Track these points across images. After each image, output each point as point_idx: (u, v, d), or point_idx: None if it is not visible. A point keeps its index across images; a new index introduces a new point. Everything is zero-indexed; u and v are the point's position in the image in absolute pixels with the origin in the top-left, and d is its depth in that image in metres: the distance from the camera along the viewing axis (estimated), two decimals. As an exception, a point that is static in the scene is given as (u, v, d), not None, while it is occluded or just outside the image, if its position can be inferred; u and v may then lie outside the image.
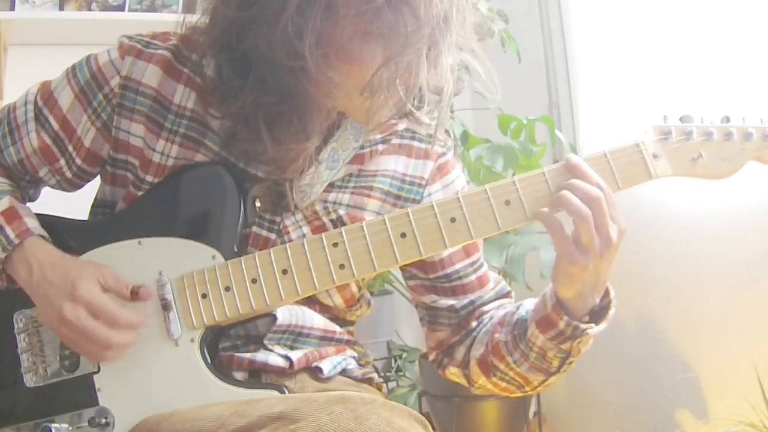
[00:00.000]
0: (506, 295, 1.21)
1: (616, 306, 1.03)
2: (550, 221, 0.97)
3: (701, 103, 1.91)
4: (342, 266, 1.00)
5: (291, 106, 0.96)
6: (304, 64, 0.91)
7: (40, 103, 1.11)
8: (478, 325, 1.17)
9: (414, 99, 1.00)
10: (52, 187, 1.16)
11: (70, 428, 1.01)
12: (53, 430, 1.00)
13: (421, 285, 1.18)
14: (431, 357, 1.22)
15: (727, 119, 1.02)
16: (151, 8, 2.48)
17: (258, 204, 1.06)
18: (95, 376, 1.02)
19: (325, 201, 1.10)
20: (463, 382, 1.19)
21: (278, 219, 1.08)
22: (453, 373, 1.19)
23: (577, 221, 0.95)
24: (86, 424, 1.01)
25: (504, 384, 1.13)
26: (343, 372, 1.16)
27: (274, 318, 1.06)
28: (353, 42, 0.93)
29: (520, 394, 1.15)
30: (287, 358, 1.08)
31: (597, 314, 1.03)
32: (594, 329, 1.01)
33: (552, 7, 2.60)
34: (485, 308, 1.17)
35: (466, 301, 1.17)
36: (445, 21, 0.93)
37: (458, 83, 1.03)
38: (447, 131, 1.22)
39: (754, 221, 1.81)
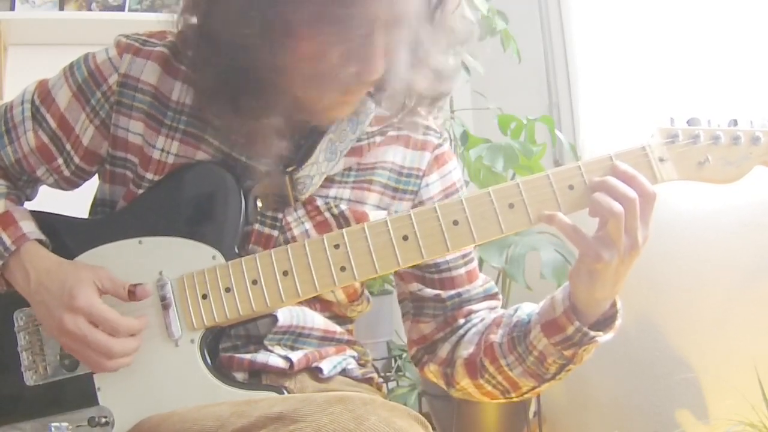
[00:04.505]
0: (494, 296, 1.20)
1: (622, 316, 1.03)
2: (561, 224, 0.96)
3: (701, 104, 1.91)
4: (343, 268, 0.99)
5: (251, 84, 0.96)
6: (262, 41, 0.92)
7: (37, 101, 1.11)
8: (465, 323, 1.16)
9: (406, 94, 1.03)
10: (50, 186, 1.16)
11: (70, 427, 1.01)
12: (53, 428, 1.00)
13: (410, 272, 1.18)
14: (411, 352, 1.21)
15: (735, 123, 1.00)
16: (151, 8, 2.48)
17: (259, 204, 1.06)
18: (95, 376, 1.02)
19: (326, 197, 1.10)
20: (441, 382, 1.18)
21: (280, 215, 1.08)
22: (432, 371, 1.18)
23: (609, 217, 0.94)
24: (86, 423, 1.01)
25: (489, 388, 1.11)
26: (343, 372, 1.16)
27: (275, 319, 1.06)
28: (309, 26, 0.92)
29: (503, 400, 1.14)
30: (287, 359, 1.08)
31: (601, 324, 1.02)
32: (602, 337, 1.00)
33: (552, 7, 2.60)
34: (474, 307, 1.17)
35: (452, 292, 1.16)
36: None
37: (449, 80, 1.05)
38: (446, 131, 1.21)
39: (755, 221, 1.81)
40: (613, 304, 1.02)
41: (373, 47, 0.92)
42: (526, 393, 1.10)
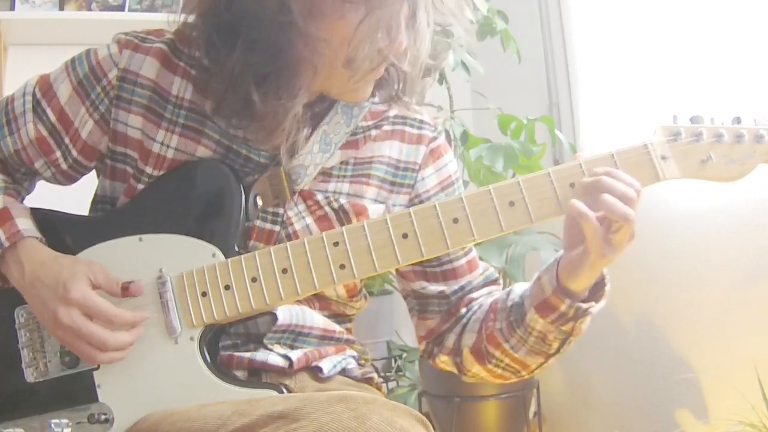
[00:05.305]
0: (494, 281, 1.21)
1: (609, 281, 1.04)
2: (584, 217, 0.94)
3: (703, 103, 1.91)
4: (342, 266, 0.99)
5: (280, 63, 0.99)
6: (291, 18, 0.95)
7: (38, 95, 1.12)
8: (467, 312, 1.17)
9: (398, 81, 1.08)
10: (47, 180, 1.17)
11: (70, 424, 1.00)
12: (53, 425, 1.00)
13: (411, 270, 1.18)
14: (421, 347, 1.23)
15: (738, 120, 0.99)
16: (151, 8, 2.48)
17: (260, 202, 1.07)
18: (95, 373, 1.02)
19: (326, 191, 1.11)
20: (454, 370, 1.19)
21: (281, 211, 1.09)
22: (443, 362, 1.20)
23: (623, 223, 0.93)
24: (86, 420, 1.01)
25: (499, 371, 1.13)
26: (343, 372, 1.16)
27: (275, 317, 1.06)
28: (336, 2, 0.97)
29: (515, 380, 1.16)
30: (287, 357, 1.08)
31: (592, 294, 1.04)
32: (595, 307, 1.02)
33: (552, 7, 2.60)
34: (474, 295, 1.18)
35: (456, 286, 1.18)
36: None
37: (441, 53, 1.08)
38: (445, 130, 1.23)
39: (754, 221, 1.81)
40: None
41: (399, 20, 0.96)
42: (536, 369, 1.12)
